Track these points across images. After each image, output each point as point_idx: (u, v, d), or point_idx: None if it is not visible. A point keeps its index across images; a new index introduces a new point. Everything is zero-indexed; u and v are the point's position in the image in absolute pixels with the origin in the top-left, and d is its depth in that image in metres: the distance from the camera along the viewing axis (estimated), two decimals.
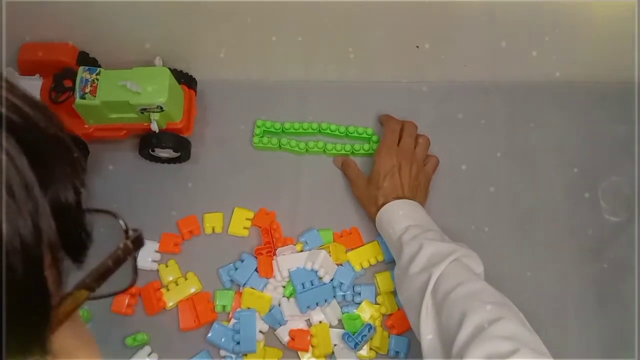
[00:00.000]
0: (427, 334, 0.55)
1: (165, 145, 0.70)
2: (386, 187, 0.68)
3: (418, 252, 0.59)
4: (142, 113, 0.66)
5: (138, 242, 0.30)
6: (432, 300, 0.56)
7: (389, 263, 0.70)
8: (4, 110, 0.23)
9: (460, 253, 0.59)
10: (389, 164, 0.69)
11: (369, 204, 0.70)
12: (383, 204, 0.66)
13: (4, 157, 0.22)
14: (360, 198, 0.72)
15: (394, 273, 0.64)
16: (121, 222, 0.30)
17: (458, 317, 0.52)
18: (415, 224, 0.64)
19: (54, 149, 0.26)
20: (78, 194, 0.27)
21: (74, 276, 0.27)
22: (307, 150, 0.75)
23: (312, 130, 0.75)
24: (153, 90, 0.65)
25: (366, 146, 0.75)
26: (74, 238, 0.26)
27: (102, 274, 0.28)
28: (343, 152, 0.75)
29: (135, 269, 0.30)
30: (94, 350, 0.30)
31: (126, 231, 0.30)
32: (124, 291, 0.30)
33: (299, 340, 0.66)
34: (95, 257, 0.28)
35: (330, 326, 0.67)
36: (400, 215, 0.65)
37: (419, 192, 0.69)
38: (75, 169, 0.27)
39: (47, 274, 0.24)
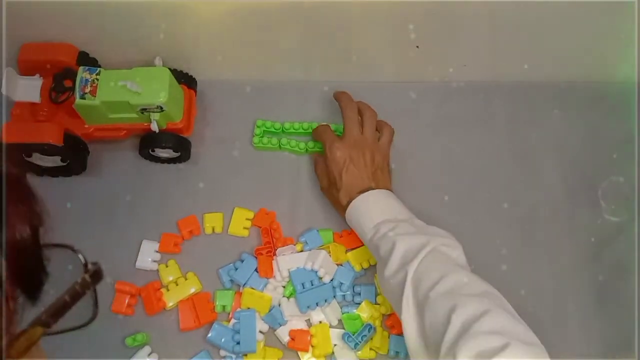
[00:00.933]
0: (411, 335, 0.54)
1: (165, 145, 0.70)
2: (345, 184, 0.66)
3: (392, 251, 0.58)
4: (142, 113, 0.66)
5: (97, 276, 0.29)
6: (413, 300, 0.55)
7: None
8: None
9: (434, 243, 0.57)
10: (340, 158, 0.67)
11: (337, 208, 0.69)
12: (347, 204, 0.65)
13: None
14: (328, 199, 0.71)
15: (377, 271, 0.64)
16: (80, 256, 0.29)
17: (443, 316, 0.51)
18: (384, 219, 0.62)
19: (7, 187, 0.25)
20: (34, 230, 0.26)
21: (30, 312, 0.26)
22: (307, 150, 0.75)
23: (312, 130, 0.75)
24: (153, 90, 0.65)
25: None
26: (29, 275, 0.26)
27: (59, 310, 0.27)
28: None
29: (95, 303, 0.29)
30: None
31: (85, 264, 0.29)
32: (82, 327, 0.29)
33: (299, 340, 0.66)
34: (54, 292, 0.27)
35: (330, 326, 0.67)
36: (366, 215, 0.63)
37: (380, 176, 0.67)
38: (30, 206, 0.26)
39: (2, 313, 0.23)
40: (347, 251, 0.70)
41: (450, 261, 0.57)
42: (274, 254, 0.69)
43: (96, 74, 0.65)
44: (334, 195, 0.67)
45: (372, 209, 0.63)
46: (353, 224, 0.65)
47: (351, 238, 0.71)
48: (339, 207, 0.68)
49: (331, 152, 0.68)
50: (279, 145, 0.75)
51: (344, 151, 0.67)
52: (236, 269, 0.68)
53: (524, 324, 0.51)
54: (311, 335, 0.66)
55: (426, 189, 0.73)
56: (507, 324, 0.50)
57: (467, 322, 0.49)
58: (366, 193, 0.64)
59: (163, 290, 0.68)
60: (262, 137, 0.75)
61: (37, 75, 0.69)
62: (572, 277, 0.70)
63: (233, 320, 0.66)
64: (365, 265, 0.70)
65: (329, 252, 0.69)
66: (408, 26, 0.70)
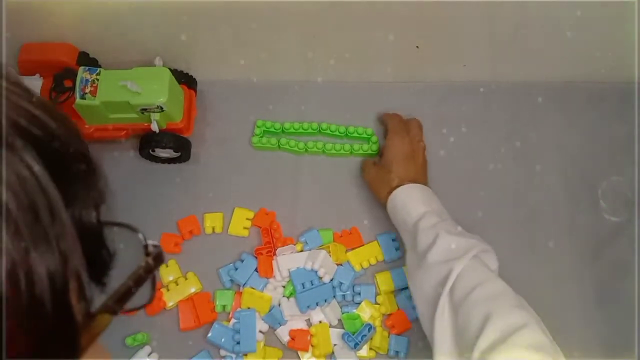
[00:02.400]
0: (442, 331, 0.54)
1: (165, 145, 0.70)
2: (401, 170, 0.68)
3: (435, 241, 0.58)
4: (143, 113, 0.67)
5: (159, 259, 0.28)
6: (449, 298, 0.55)
7: (389, 263, 0.70)
8: (24, 121, 0.21)
9: (478, 249, 0.58)
10: (403, 149, 0.69)
11: (381, 187, 0.69)
12: (397, 186, 0.66)
13: (27, 173, 0.20)
14: (371, 182, 0.71)
15: (406, 257, 0.64)
16: (140, 236, 0.28)
17: (479, 320, 0.51)
18: (432, 210, 0.63)
19: (77, 164, 0.24)
20: (98, 211, 0.25)
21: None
22: (306, 150, 0.75)
23: (312, 130, 0.75)
24: (153, 90, 0.65)
25: (365, 146, 0.75)
26: (97, 259, 0.25)
27: (124, 295, 0.26)
28: (342, 152, 0.75)
29: (154, 286, 0.28)
30: (104, 354, 0.28)
31: (146, 246, 0.28)
32: (141, 308, 0.28)
33: (299, 340, 0.66)
34: (113, 274, 0.26)
35: (330, 326, 0.67)
36: (416, 200, 0.64)
37: (426, 177, 0.70)
38: (97, 186, 0.25)
39: (74, 303, 0.22)
40: (347, 251, 0.70)
41: (489, 269, 0.58)
42: (274, 254, 0.69)
43: (96, 74, 0.65)
44: (384, 175, 0.68)
45: (424, 200, 0.65)
46: (397, 205, 0.66)
47: (351, 238, 0.71)
48: (384, 187, 0.68)
49: (401, 139, 0.70)
50: (278, 145, 0.75)
51: (409, 145, 0.70)
52: (236, 268, 0.69)
53: (556, 345, 0.51)
54: (311, 335, 0.66)
55: None
56: (544, 342, 0.50)
57: (504, 331, 0.49)
58: (420, 185, 0.66)
59: (163, 290, 0.68)
60: (261, 137, 0.75)
61: (37, 76, 0.69)
62: (572, 277, 0.70)
63: (233, 320, 0.67)
64: (365, 265, 0.70)
65: (329, 252, 0.69)
66: (408, 26, 0.70)
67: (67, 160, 0.23)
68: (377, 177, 0.70)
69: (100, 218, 0.25)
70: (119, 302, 0.26)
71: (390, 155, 0.69)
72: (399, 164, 0.68)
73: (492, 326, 0.50)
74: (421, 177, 0.69)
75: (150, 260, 0.27)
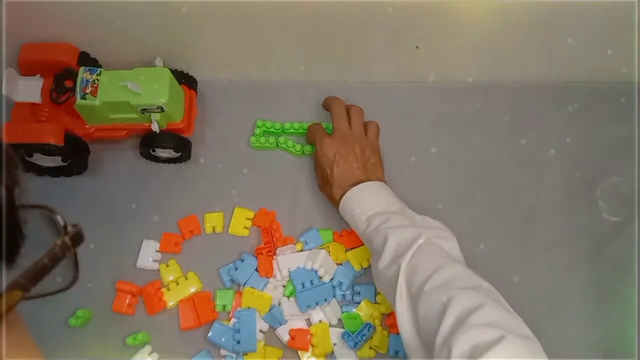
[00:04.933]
0: (405, 327, 0.54)
1: (166, 145, 0.70)
2: (337, 178, 0.67)
3: (384, 244, 0.58)
4: (143, 113, 0.67)
5: (77, 239, 0.28)
6: (406, 293, 0.55)
7: None
8: None
9: (427, 235, 0.58)
10: (330, 153, 0.68)
11: (333, 204, 0.69)
12: (341, 197, 0.65)
13: None
14: (326, 197, 0.71)
15: (371, 261, 0.64)
16: (58, 217, 0.28)
17: (437, 309, 0.51)
18: (376, 211, 0.62)
19: None
20: (10, 191, 0.25)
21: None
22: (303, 152, 0.75)
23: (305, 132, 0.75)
24: (154, 90, 0.65)
25: None
26: (6, 237, 0.25)
27: (38, 273, 0.26)
28: None
29: (76, 267, 0.28)
30: (34, 352, 0.28)
31: (64, 227, 0.28)
32: (62, 291, 0.28)
33: (299, 340, 0.66)
34: (33, 256, 0.26)
35: (330, 325, 0.67)
36: (358, 208, 0.63)
37: (371, 168, 0.68)
38: (5, 166, 0.24)
39: None
40: (346, 250, 0.70)
41: (444, 253, 0.57)
42: (274, 254, 0.69)
43: (97, 75, 0.65)
44: (328, 191, 0.68)
45: (364, 202, 0.64)
46: (347, 218, 0.66)
47: (351, 238, 0.71)
48: (334, 203, 0.68)
49: (321, 148, 0.69)
50: (276, 144, 0.75)
51: (333, 146, 0.68)
52: (236, 268, 0.69)
53: (519, 318, 0.51)
54: (311, 335, 0.66)
55: (425, 189, 0.73)
56: (503, 317, 0.50)
57: (462, 314, 0.49)
58: (358, 186, 0.65)
59: (164, 289, 0.68)
60: (260, 136, 0.75)
61: (38, 76, 0.69)
62: (572, 277, 0.71)
63: (233, 320, 0.67)
64: (365, 265, 0.70)
65: (329, 252, 0.69)
66: (408, 26, 0.70)
67: None
68: (327, 194, 0.69)
69: (14, 201, 0.25)
70: (32, 279, 0.25)
71: (325, 163, 0.68)
72: (334, 171, 0.67)
73: (449, 312, 0.50)
74: (362, 173, 0.66)
75: (67, 238, 0.27)
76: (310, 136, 0.73)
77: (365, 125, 0.72)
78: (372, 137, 0.71)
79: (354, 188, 0.65)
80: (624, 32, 0.70)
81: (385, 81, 0.79)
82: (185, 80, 0.74)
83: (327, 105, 0.74)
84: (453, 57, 0.76)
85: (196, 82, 0.76)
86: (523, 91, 0.79)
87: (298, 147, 0.75)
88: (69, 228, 0.28)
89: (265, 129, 0.76)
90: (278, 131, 0.76)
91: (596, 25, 0.70)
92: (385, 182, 0.67)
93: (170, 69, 0.67)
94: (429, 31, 0.71)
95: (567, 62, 0.76)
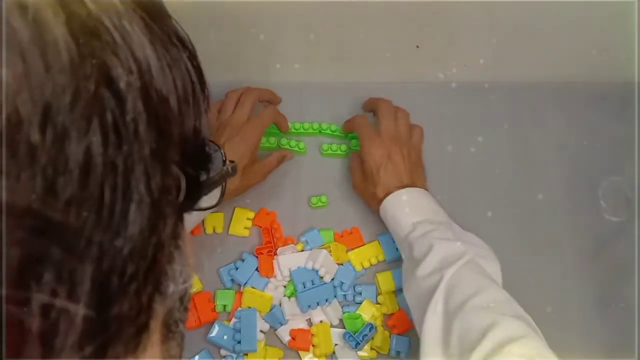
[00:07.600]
0: (431, 335, 0.53)
1: None
2: (383, 180, 0.66)
3: (428, 252, 0.57)
4: None
5: (234, 170, 0.33)
6: (442, 305, 0.54)
7: (390, 262, 0.70)
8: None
9: (473, 252, 0.57)
10: (378, 154, 0.67)
11: (370, 200, 0.68)
12: (385, 197, 0.65)
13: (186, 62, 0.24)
14: (361, 194, 0.71)
15: (401, 267, 0.63)
16: (222, 152, 0.32)
17: (477, 330, 0.50)
18: (423, 218, 0.62)
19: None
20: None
21: None
22: (305, 151, 0.75)
23: (312, 130, 0.75)
24: None
25: None
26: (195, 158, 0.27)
27: (211, 185, 0.30)
28: (342, 152, 0.75)
29: (223, 192, 0.33)
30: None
31: (224, 161, 0.32)
32: (212, 207, 0.32)
33: (300, 340, 0.66)
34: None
35: (331, 326, 0.67)
36: (405, 211, 0.63)
37: (416, 173, 0.68)
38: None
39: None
40: (347, 251, 0.70)
41: (487, 274, 0.57)
42: (275, 254, 0.69)
43: None
44: (370, 189, 0.67)
45: (412, 207, 0.63)
46: (387, 218, 0.65)
47: (352, 238, 0.71)
48: (374, 202, 0.67)
49: (370, 146, 0.68)
50: (278, 144, 0.75)
51: (383, 147, 0.67)
52: (237, 268, 0.69)
53: (552, 354, 0.50)
54: (312, 335, 0.66)
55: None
56: (544, 352, 0.49)
57: (503, 341, 0.48)
58: (405, 189, 0.64)
59: None
60: None
61: None
62: (572, 277, 0.70)
63: (234, 320, 0.66)
64: (366, 265, 0.70)
65: (330, 252, 0.69)
66: (408, 26, 0.70)
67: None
68: (365, 189, 0.69)
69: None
70: (207, 189, 0.29)
71: (372, 162, 0.67)
72: (379, 173, 0.66)
73: (492, 335, 0.49)
74: (409, 177, 0.66)
75: (229, 167, 0.32)
76: (357, 128, 0.71)
77: (410, 129, 0.72)
78: (417, 142, 0.71)
79: (401, 190, 0.64)
80: (624, 32, 0.71)
81: (385, 81, 0.79)
82: None
83: (372, 105, 0.73)
84: (453, 57, 0.76)
85: None
86: (523, 91, 0.79)
87: (302, 144, 0.75)
88: (228, 162, 0.33)
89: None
90: (279, 131, 0.76)
91: (596, 25, 0.70)
92: (428, 191, 0.67)
93: None
94: (429, 31, 0.71)
95: (567, 62, 0.77)
